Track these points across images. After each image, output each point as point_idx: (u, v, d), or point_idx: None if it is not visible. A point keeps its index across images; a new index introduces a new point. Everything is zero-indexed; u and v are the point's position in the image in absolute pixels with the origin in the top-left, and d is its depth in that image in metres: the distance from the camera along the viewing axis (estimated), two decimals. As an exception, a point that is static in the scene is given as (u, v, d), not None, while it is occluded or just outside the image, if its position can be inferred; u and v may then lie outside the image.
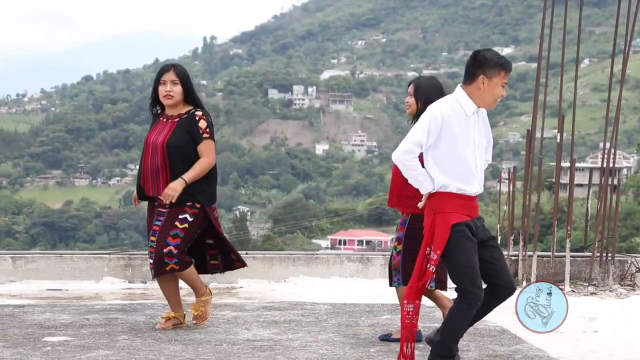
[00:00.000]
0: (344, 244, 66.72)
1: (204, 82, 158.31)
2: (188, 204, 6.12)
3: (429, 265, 5.01)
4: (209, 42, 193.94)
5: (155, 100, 6.37)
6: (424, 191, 5.10)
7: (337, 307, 7.42)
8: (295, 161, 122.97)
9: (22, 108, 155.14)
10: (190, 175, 6.09)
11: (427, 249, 5.02)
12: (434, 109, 5.07)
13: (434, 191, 5.06)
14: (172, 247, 6.07)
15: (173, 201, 6.06)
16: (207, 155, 6.16)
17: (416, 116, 6.05)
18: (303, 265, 9.15)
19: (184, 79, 6.20)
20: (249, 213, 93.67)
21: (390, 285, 6.17)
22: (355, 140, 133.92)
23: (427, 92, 6.00)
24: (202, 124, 6.16)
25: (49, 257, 8.99)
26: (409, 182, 5.17)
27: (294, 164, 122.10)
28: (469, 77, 5.07)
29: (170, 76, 6.18)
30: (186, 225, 6.11)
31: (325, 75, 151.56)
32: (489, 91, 5.05)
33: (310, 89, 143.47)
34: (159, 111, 6.39)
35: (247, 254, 9.18)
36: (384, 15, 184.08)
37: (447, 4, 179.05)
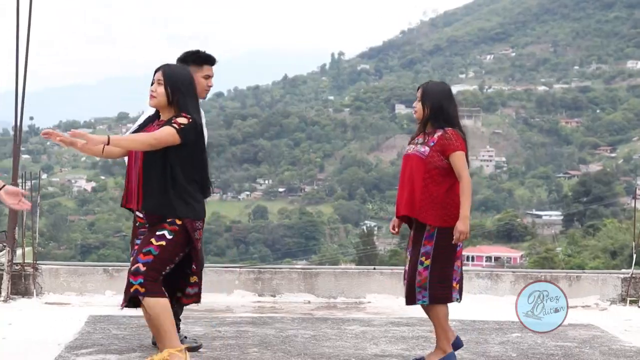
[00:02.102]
0: (472, 260, 65.84)
1: (331, 97, 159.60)
2: (168, 220, 5.16)
3: None
4: (336, 57, 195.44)
5: None
6: None
7: (465, 324, 7.35)
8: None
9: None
10: (118, 136, 5.14)
11: None
12: None
13: None
14: (140, 265, 5.07)
15: (71, 140, 4.94)
16: (158, 132, 5.17)
17: (423, 121, 5.81)
18: (431, 282, 9.08)
19: (169, 80, 5.31)
20: (376, 228, 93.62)
21: (413, 303, 5.70)
22: (483, 156, 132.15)
23: (434, 97, 5.82)
24: (181, 119, 5.20)
25: (182, 269, 9.20)
26: None
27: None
28: None
29: (157, 76, 5.38)
30: (162, 242, 5.11)
31: (453, 90, 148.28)
32: None
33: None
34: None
35: (374, 269, 9.21)
36: (514, 30, 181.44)
37: (579, 17, 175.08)
